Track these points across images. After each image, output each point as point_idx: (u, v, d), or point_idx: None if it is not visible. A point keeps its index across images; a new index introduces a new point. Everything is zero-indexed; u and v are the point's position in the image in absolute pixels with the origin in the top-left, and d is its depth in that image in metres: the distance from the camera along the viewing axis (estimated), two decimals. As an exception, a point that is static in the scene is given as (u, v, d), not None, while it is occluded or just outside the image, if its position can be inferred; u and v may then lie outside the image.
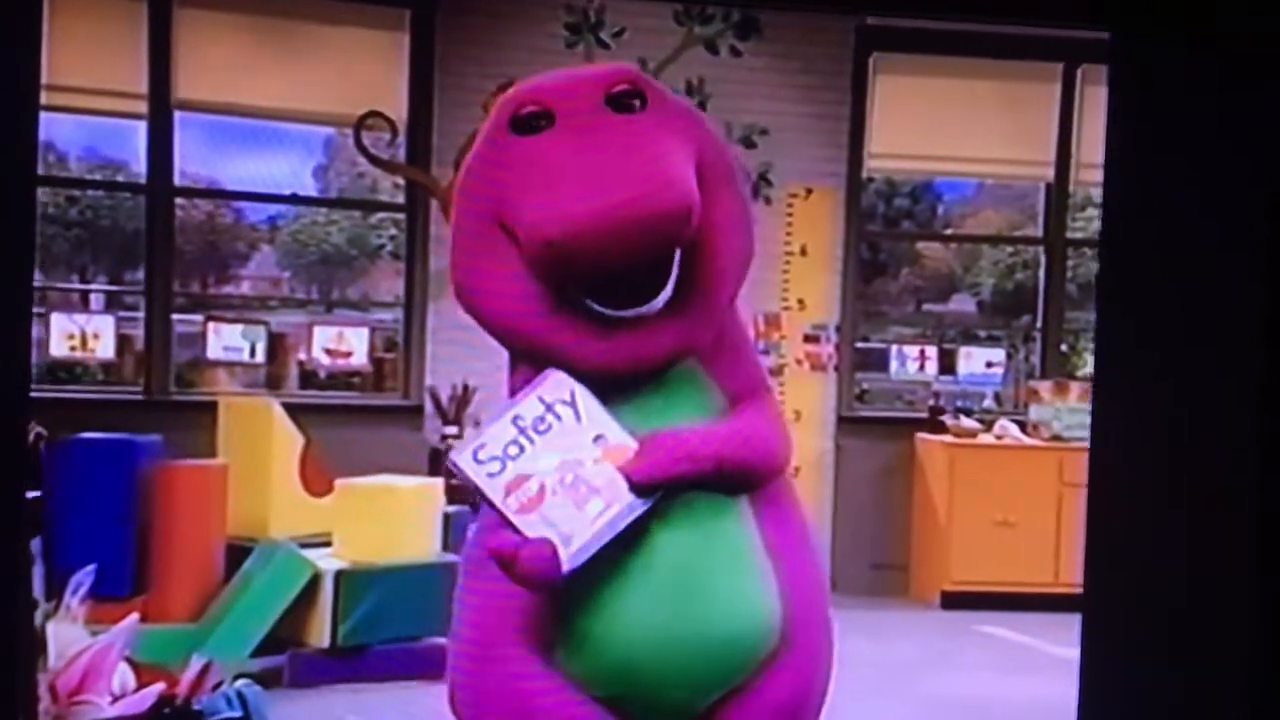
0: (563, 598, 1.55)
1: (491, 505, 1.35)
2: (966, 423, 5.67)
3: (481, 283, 1.64)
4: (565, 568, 1.38)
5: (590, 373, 1.47)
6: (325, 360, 5.66)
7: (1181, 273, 1.06)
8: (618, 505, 1.43)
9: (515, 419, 1.36)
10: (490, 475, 1.34)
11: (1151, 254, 1.09)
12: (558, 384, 1.39)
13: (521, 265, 1.59)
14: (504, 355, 1.71)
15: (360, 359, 5.64)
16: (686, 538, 1.58)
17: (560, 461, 1.38)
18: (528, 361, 1.60)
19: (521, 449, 1.35)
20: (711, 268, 1.63)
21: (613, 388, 1.53)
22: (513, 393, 1.55)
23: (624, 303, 1.56)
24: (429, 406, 5.41)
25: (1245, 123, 1.00)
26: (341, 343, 5.59)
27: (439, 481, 4.20)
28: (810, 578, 1.73)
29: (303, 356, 5.99)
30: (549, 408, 1.38)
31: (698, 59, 4.93)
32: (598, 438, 1.43)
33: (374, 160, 5.43)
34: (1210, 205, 1.04)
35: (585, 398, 1.39)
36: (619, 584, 1.54)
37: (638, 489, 1.48)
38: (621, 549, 1.53)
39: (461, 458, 1.33)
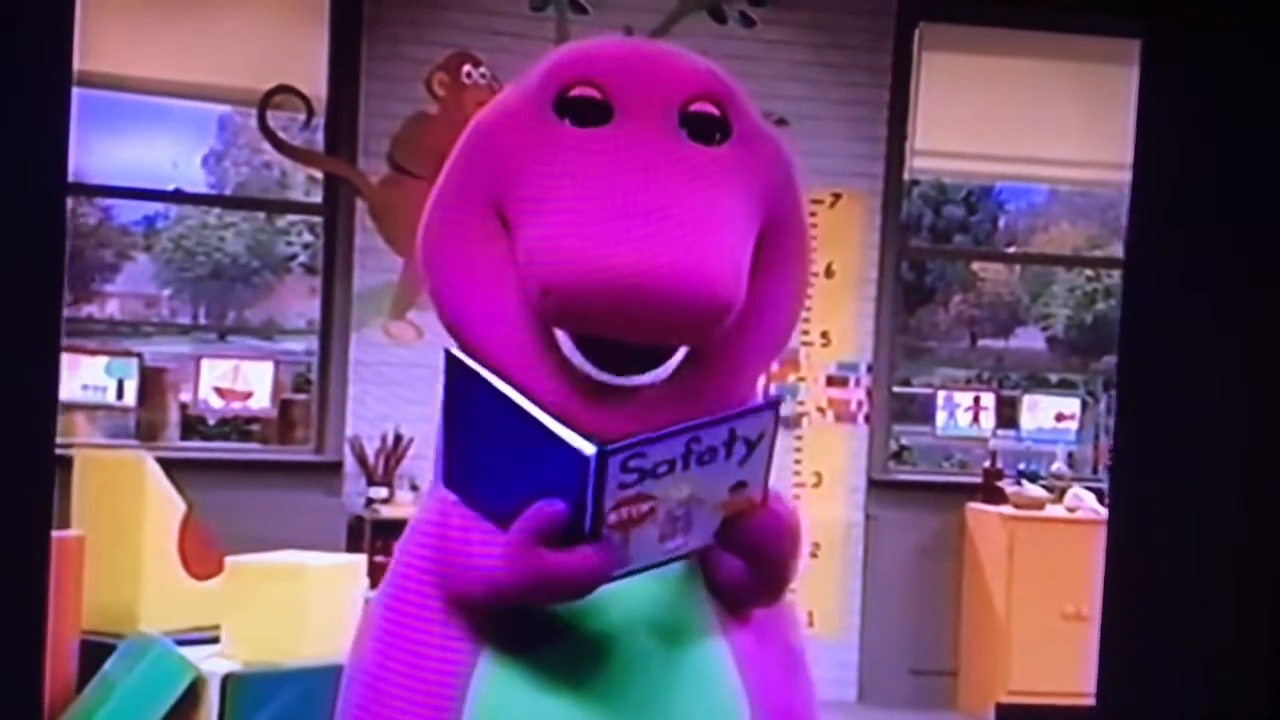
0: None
1: (595, 512, 1.41)
2: (1031, 490, 5.70)
3: (457, 280, 1.63)
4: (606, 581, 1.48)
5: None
6: (216, 403, 5.65)
7: (1215, 285, 1.16)
8: (691, 547, 1.51)
9: (691, 440, 1.42)
10: (620, 486, 1.41)
11: (1182, 266, 1.19)
12: (756, 422, 1.46)
13: (509, 271, 1.58)
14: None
15: (262, 401, 5.63)
16: (636, 648, 1.57)
17: (689, 495, 1.45)
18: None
19: (671, 470, 1.42)
20: (738, 349, 1.63)
21: None
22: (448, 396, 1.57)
23: (620, 367, 1.56)
24: (350, 463, 5.41)
25: None
26: (238, 380, 5.57)
27: (359, 559, 4.18)
28: (793, 706, 1.70)
29: (186, 398, 5.98)
30: (730, 441, 1.45)
31: (699, 29, 4.99)
32: (738, 485, 1.48)
33: (283, 148, 5.46)
34: (1250, 209, 1.14)
35: (768, 440, 1.46)
36: (551, 707, 1.54)
37: (726, 544, 1.53)
38: (560, 660, 1.54)
39: (613, 459, 1.39)
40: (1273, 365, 1.11)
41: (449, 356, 1.53)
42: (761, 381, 1.95)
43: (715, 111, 1.62)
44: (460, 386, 1.52)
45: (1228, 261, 1.16)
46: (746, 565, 1.58)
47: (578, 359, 1.57)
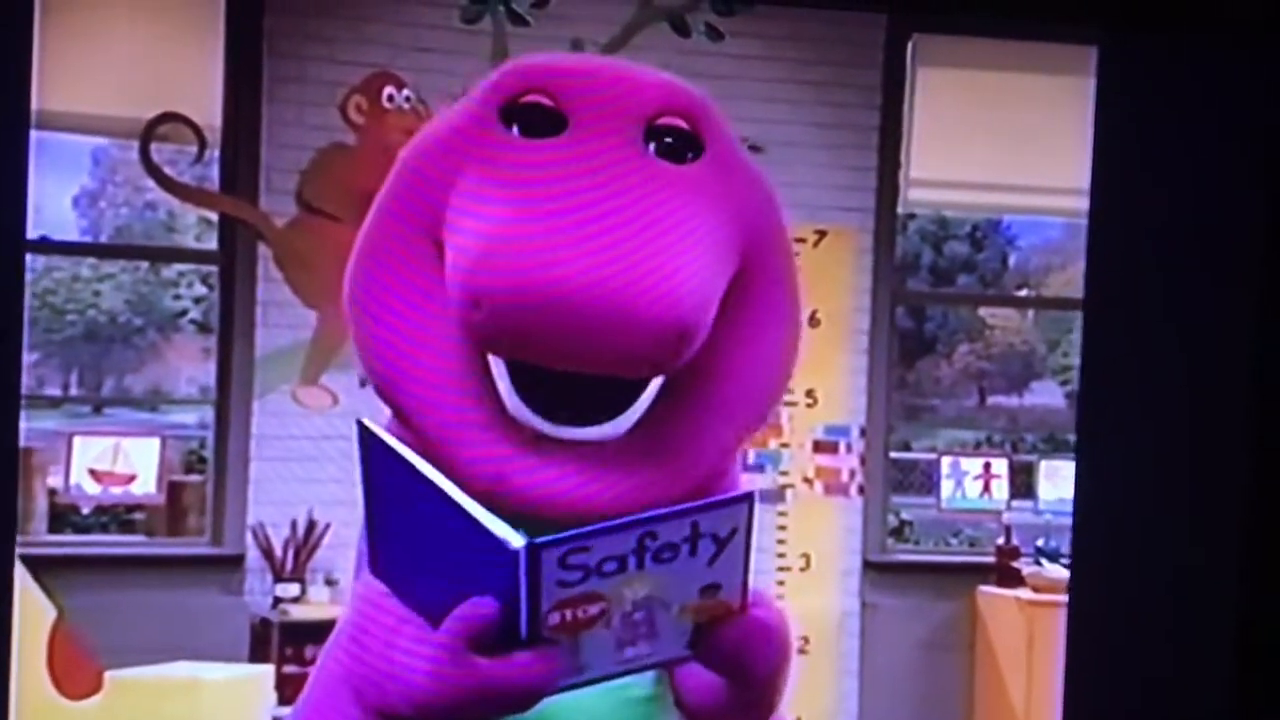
0: None
1: (531, 613, 1.40)
2: (1051, 571, 5.73)
3: (385, 320, 1.63)
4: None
5: (516, 510, 1.48)
6: (91, 488, 5.60)
7: (1176, 298, 1.25)
8: (659, 657, 1.50)
9: (645, 535, 1.41)
10: (560, 584, 1.39)
11: (1144, 278, 1.27)
12: (724, 516, 1.45)
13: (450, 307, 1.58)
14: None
15: (147, 486, 5.58)
16: None
17: (647, 596, 1.44)
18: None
19: (622, 568, 1.41)
20: (713, 404, 1.64)
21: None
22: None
23: (570, 415, 1.57)
24: (253, 555, 5.37)
25: (1250, 124, 1.19)
26: (117, 461, 5.54)
27: (266, 670, 4.15)
28: None
29: (55, 483, 5.91)
30: (693, 537, 1.44)
31: (660, 42, 5.05)
32: (708, 588, 1.48)
33: (170, 186, 5.46)
34: (1209, 216, 1.22)
35: (742, 536, 1.46)
36: None
37: (702, 657, 1.51)
38: None
39: (547, 554, 1.37)
40: (1232, 387, 1.19)
41: (361, 427, 1.52)
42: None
43: (684, 125, 1.64)
44: (376, 461, 1.51)
45: (1189, 278, 1.24)
46: (725, 681, 1.57)
47: (517, 406, 1.57)
